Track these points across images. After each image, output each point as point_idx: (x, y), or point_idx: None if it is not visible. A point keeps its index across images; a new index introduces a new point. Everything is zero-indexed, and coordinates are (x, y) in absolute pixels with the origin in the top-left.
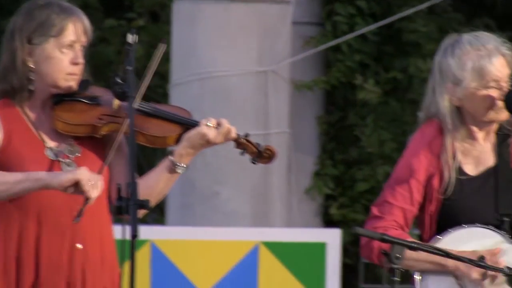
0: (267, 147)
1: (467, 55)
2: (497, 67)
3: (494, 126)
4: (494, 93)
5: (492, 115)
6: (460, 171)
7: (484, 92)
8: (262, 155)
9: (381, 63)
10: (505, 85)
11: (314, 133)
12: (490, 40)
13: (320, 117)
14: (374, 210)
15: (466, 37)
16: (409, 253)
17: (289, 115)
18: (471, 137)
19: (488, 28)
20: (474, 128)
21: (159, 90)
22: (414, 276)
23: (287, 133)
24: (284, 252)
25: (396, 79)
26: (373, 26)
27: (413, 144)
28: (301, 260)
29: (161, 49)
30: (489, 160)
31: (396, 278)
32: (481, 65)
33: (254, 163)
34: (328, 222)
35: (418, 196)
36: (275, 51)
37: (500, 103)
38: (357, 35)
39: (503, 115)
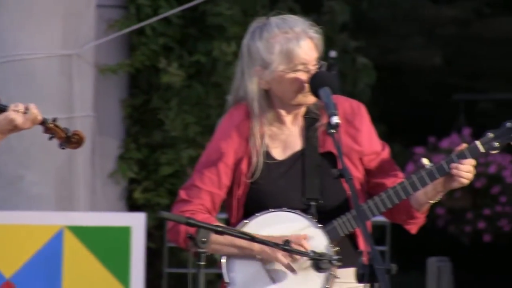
0: (75, 132)
1: (275, 38)
2: (305, 50)
3: (302, 110)
4: (302, 76)
5: (300, 98)
6: (268, 155)
7: (292, 75)
8: (71, 140)
9: (185, 47)
10: (312, 68)
11: (119, 116)
12: (298, 23)
13: (124, 100)
14: (182, 194)
15: (274, 20)
16: (215, 237)
17: (93, 98)
18: (279, 121)
19: (292, 12)
20: (282, 112)
21: None
22: (221, 260)
23: (92, 116)
24: (89, 236)
25: (200, 62)
26: (177, 10)
27: (222, 127)
28: (106, 244)
29: None
30: (297, 144)
31: (201, 262)
32: (289, 48)
33: (63, 148)
34: (132, 206)
35: (226, 180)
36: (79, 34)
37: (308, 87)
38: (161, 18)
39: (311, 98)
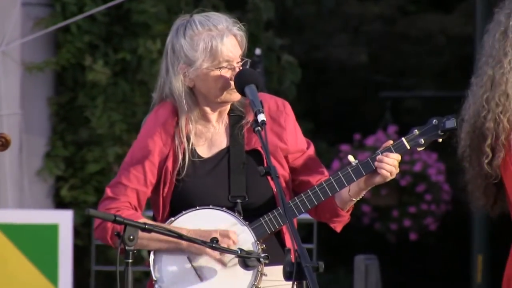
0: (1, 134)
1: (199, 36)
2: (228, 47)
3: (227, 107)
4: (226, 73)
5: (225, 95)
6: (194, 153)
7: (217, 72)
8: None
9: (111, 44)
10: (237, 65)
11: (45, 114)
12: (221, 20)
13: (50, 98)
14: (108, 191)
15: (198, 17)
16: (142, 232)
17: (20, 96)
18: (204, 118)
19: (216, 9)
20: (207, 109)
21: None
22: (149, 258)
23: (19, 114)
24: (17, 234)
25: (125, 60)
26: (102, 7)
27: (147, 125)
28: (34, 241)
29: None
30: (223, 142)
31: (129, 260)
32: (213, 45)
33: None
34: (60, 203)
35: (152, 178)
36: (5, 32)
37: (233, 84)
38: (86, 16)
39: (236, 95)
